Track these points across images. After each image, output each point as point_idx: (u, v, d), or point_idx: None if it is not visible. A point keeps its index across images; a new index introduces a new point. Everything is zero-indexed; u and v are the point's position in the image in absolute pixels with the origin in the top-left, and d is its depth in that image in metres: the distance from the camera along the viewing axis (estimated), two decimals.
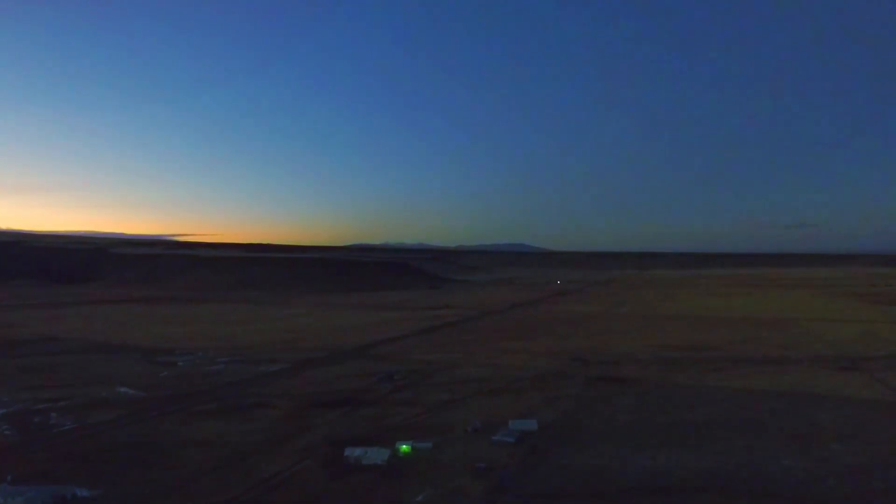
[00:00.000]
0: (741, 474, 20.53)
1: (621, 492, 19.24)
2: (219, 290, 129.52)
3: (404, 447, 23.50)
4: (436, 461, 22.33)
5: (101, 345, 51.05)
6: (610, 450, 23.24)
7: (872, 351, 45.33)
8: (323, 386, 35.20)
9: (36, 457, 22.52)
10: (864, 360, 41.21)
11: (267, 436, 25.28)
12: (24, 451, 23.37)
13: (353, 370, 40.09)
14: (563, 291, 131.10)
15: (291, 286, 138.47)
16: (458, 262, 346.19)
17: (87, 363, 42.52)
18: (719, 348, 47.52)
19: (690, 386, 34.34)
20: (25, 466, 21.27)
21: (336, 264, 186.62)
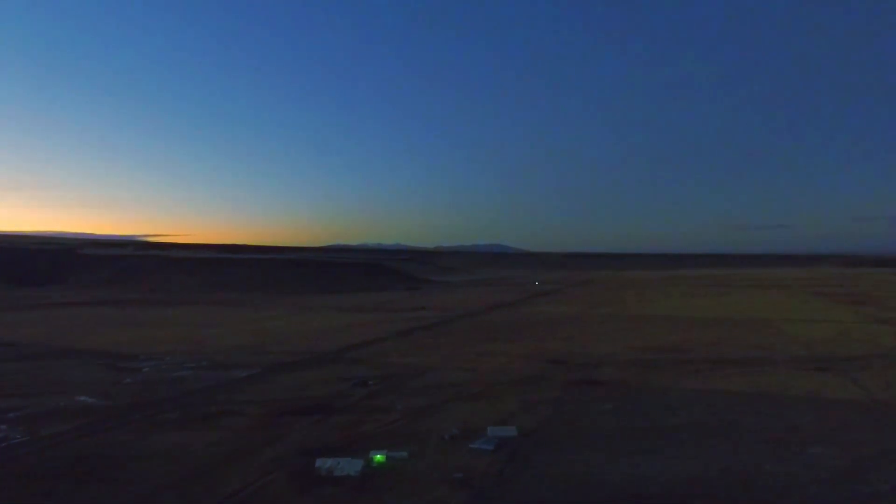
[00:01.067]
0: (724, 481, 20.09)
1: (603, 502, 18.61)
2: (191, 292, 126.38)
3: (378, 457, 22.54)
4: (411, 471, 21.43)
5: (62, 350, 48.84)
6: (591, 457, 22.63)
7: (846, 351, 45.80)
8: (295, 392, 33.98)
9: None
10: (838, 361, 41.54)
11: (234, 446, 24.07)
12: None
13: (327, 375, 38.91)
14: (542, 292, 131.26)
15: (266, 288, 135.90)
16: (437, 262, 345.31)
17: (45, 370, 40.47)
18: (697, 350, 47.53)
19: (670, 389, 34.04)
20: None
21: (312, 265, 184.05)
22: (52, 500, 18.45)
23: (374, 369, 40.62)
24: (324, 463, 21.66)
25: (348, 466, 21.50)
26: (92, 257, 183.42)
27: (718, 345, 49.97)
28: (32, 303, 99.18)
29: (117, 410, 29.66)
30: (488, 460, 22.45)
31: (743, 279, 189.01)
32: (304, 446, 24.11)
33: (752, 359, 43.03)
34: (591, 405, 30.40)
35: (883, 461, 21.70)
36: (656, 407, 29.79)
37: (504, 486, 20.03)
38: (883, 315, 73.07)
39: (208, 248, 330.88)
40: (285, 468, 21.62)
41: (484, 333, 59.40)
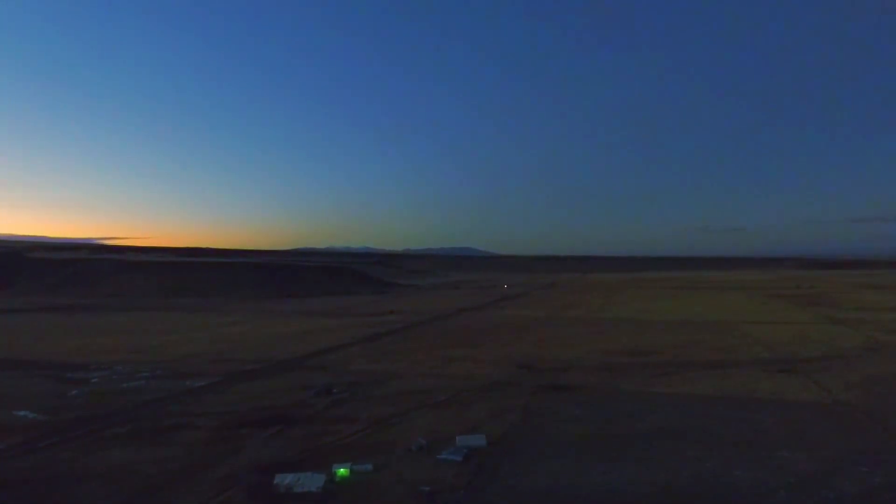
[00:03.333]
0: (695, 488, 19.78)
1: None
2: (147, 298, 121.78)
3: (341, 471, 21.47)
4: (376, 485, 20.45)
5: (3, 361, 45.83)
6: (561, 466, 22.06)
7: (806, 352, 46.80)
8: (254, 402, 32.48)
9: None
10: (800, 362, 42.32)
11: (186, 462, 22.60)
12: None
13: (289, 383, 37.46)
14: (509, 295, 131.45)
15: (227, 292, 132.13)
16: (405, 265, 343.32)
17: None
18: (663, 353, 47.83)
19: (638, 393, 33.92)
20: None
21: (276, 269, 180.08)
22: None
23: (339, 377, 39.36)
24: (283, 479, 20.47)
25: (309, 482, 20.36)
26: (42, 261, 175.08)
27: (684, 347, 50.45)
28: None
29: (60, 426, 27.66)
30: (456, 472, 21.64)
31: (705, 281, 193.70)
32: (263, 461, 22.82)
33: (717, 361, 43.49)
34: (559, 411, 29.94)
35: (846, 464, 21.80)
36: (625, 412, 29.53)
37: (472, 499, 19.26)
38: (838, 316, 75.49)
39: (167, 251, 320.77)
40: (242, 485, 20.32)
41: (452, 338, 58.64)
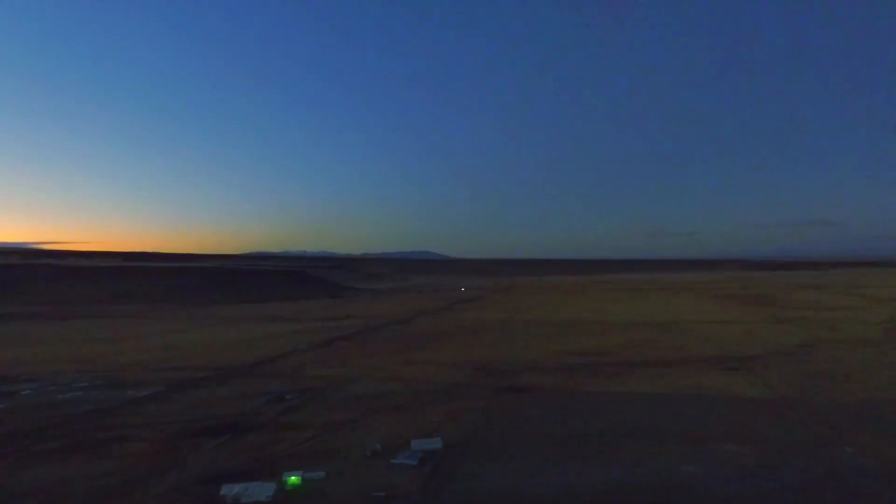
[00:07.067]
0: (648, 484, 20.01)
1: None
2: (89, 304, 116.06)
3: (293, 479, 20.73)
4: (329, 492, 19.82)
5: None
6: (518, 467, 21.96)
7: (751, 350, 48.57)
8: (201, 411, 31.14)
9: None
10: (746, 360, 43.86)
11: (126, 477, 21.32)
12: None
13: (239, 391, 36.16)
14: (468, 298, 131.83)
15: (177, 298, 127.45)
16: (362, 269, 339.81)
17: None
18: (616, 353, 48.72)
19: (592, 393, 34.33)
20: None
21: (229, 273, 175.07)
22: None
23: (292, 383, 38.28)
24: (230, 490, 19.57)
25: (258, 491, 19.54)
26: None
27: (638, 347, 51.55)
28: None
29: None
30: (412, 476, 21.23)
31: (657, 283, 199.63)
32: (209, 472, 21.77)
33: (669, 360, 44.57)
34: (516, 413, 29.92)
35: (788, 455, 22.54)
36: (581, 412, 29.77)
37: (428, 503, 18.90)
38: (781, 314, 79.00)
39: (110, 255, 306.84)
40: (186, 498, 19.33)
41: (409, 342, 58.14)
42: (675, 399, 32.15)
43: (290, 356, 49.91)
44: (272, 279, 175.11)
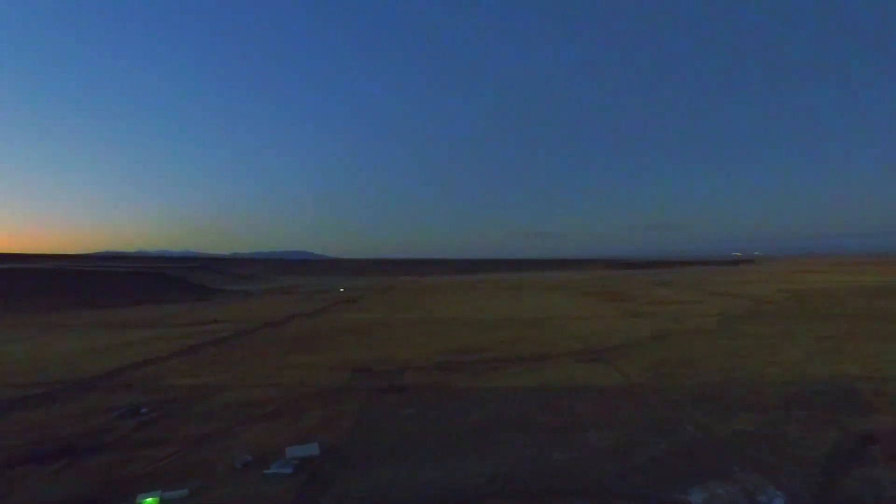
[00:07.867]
0: (521, 473, 20.97)
1: None
2: None
3: (148, 500, 18.84)
4: None
5: None
6: (397, 467, 21.90)
7: (610, 342, 53.00)
8: (36, 433, 27.25)
9: None
10: (605, 352, 47.76)
11: None
12: None
13: (85, 408, 32.18)
14: (346, 299, 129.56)
15: (6, 304, 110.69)
16: (231, 270, 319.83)
17: None
18: (491, 349, 50.61)
19: (469, 389, 35.30)
20: None
21: (72, 276, 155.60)
22: None
23: (149, 395, 34.88)
24: None
25: None
26: None
27: (510, 343, 53.97)
28: None
29: None
30: (286, 486, 20.26)
31: (530, 282, 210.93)
32: (45, 502, 19.08)
33: (539, 354, 47.19)
34: (394, 413, 29.88)
35: (643, 437, 24.89)
36: (457, 408, 30.47)
37: None
38: (637, 309, 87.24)
39: None
40: None
41: (284, 345, 55.71)
42: (543, 392, 34.06)
43: (147, 365, 45.50)
44: (126, 281, 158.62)
